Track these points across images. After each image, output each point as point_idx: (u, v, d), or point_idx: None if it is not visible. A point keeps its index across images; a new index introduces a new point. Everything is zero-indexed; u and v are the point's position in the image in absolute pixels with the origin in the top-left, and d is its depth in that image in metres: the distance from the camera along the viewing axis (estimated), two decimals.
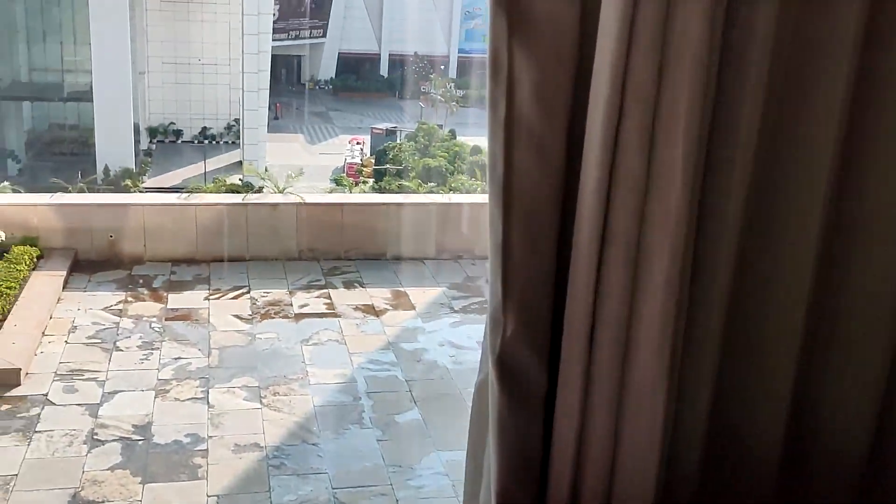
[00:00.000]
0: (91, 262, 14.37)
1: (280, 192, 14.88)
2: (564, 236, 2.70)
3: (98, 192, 34.20)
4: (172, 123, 55.71)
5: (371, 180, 49.81)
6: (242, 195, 14.65)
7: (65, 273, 13.63)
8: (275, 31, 53.69)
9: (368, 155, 55.17)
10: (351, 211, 15.18)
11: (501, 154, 2.58)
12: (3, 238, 10.81)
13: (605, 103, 2.49)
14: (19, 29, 48.10)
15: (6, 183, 15.33)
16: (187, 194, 14.38)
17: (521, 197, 2.61)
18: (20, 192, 15.19)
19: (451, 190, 41.71)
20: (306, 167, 54.18)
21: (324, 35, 77.15)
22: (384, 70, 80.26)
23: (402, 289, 13.98)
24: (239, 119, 52.12)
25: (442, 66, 79.76)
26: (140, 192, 44.08)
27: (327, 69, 79.24)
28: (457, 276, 14.78)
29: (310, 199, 15.07)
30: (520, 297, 2.69)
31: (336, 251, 15.24)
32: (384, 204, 15.40)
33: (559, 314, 2.76)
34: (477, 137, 62.50)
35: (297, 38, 74.53)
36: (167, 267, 14.29)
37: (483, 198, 17.41)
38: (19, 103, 48.44)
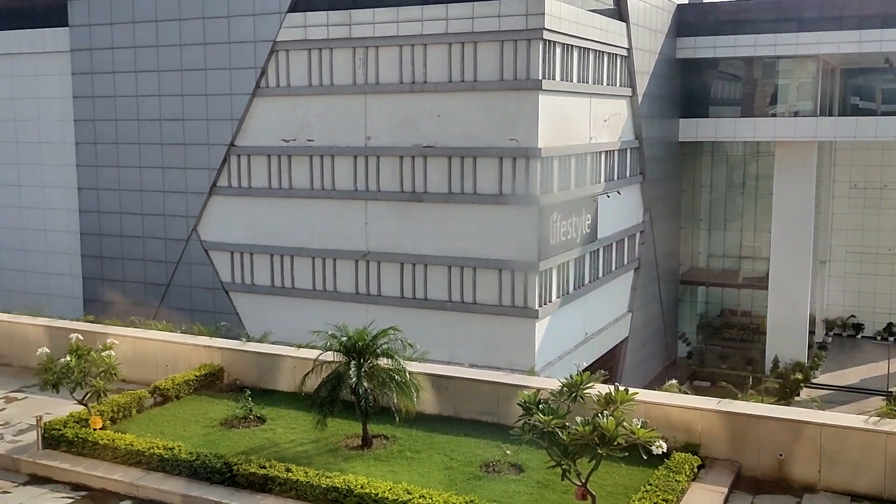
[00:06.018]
0: (755, 481, 12.65)
1: None
2: None
3: (766, 385, 32.66)
4: (853, 316, 51.93)
5: None
6: None
7: (725, 490, 12.19)
8: None
9: None
10: None
11: None
12: (665, 449, 9.79)
13: None
14: (702, 217, 49.83)
15: (674, 381, 14.53)
16: (876, 418, 11.93)
17: None
18: (687, 394, 14.17)
19: None
20: None
21: None
22: None
23: None
24: None
25: None
26: (810, 388, 41.57)
27: None
28: None
29: None
30: None
31: None
32: None
33: None
34: None
35: None
36: (844, 502, 11.94)
37: None
38: (695, 288, 49.73)
